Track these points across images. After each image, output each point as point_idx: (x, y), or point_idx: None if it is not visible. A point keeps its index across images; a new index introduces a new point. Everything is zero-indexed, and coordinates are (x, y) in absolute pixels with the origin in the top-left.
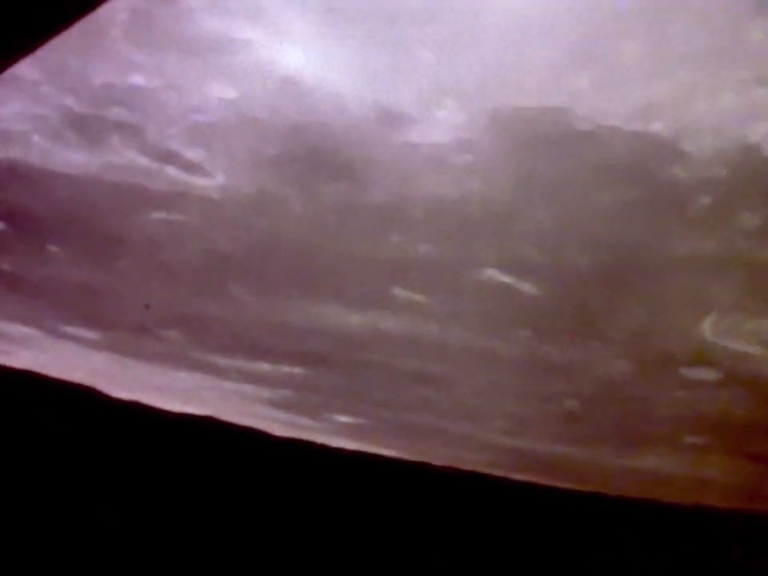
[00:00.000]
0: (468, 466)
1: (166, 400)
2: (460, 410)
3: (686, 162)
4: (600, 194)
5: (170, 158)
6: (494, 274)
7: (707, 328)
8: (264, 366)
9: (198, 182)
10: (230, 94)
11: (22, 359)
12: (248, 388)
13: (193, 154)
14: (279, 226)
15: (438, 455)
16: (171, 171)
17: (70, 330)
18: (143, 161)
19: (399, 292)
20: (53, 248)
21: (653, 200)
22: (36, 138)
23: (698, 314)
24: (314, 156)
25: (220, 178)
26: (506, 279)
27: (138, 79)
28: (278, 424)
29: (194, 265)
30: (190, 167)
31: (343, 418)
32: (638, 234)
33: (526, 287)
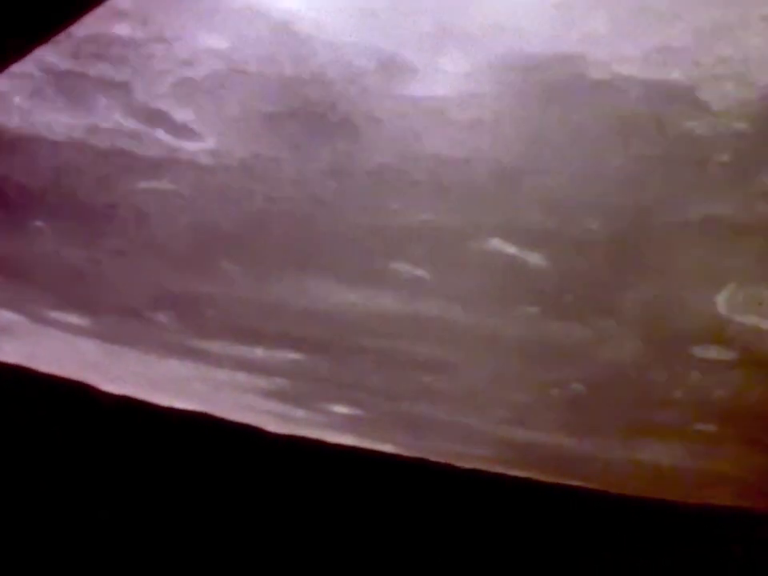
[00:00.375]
0: (469, 463)
1: (158, 393)
2: (462, 399)
3: (705, 115)
4: (613, 152)
5: (158, 119)
6: (498, 244)
7: (722, 302)
8: (258, 352)
9: (187, 146)
10: (221, 43)
11: (9, 351)
12: (241, 377)
13: (182, 114)
14: (273, 195)
15: (438, 451)
16: (160, 134)
17: (58, 315)
18: (130, 123)
19: (399, 266)
20: (38, 224)
21: (668, 158)
22: (17, 99)
23: (713, 286)
24: (310, 113)
25: (211, 141)
26: (512, 250)
27: (122, 29)
28: (273, 416)
29: (184, 240)
30: (179, 129)
31: (339, 409)
32: (651, 197)
33: (533, 258)
